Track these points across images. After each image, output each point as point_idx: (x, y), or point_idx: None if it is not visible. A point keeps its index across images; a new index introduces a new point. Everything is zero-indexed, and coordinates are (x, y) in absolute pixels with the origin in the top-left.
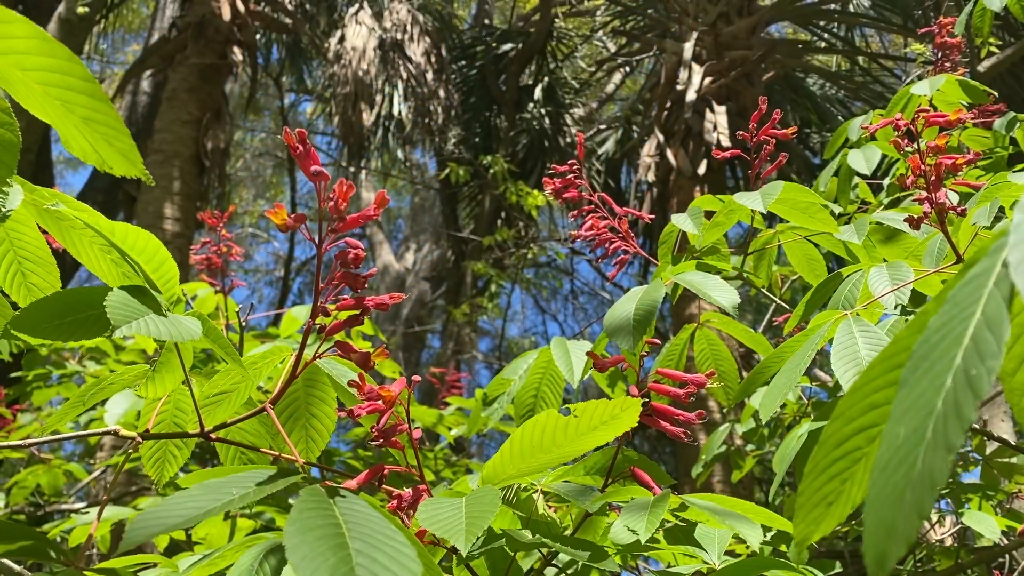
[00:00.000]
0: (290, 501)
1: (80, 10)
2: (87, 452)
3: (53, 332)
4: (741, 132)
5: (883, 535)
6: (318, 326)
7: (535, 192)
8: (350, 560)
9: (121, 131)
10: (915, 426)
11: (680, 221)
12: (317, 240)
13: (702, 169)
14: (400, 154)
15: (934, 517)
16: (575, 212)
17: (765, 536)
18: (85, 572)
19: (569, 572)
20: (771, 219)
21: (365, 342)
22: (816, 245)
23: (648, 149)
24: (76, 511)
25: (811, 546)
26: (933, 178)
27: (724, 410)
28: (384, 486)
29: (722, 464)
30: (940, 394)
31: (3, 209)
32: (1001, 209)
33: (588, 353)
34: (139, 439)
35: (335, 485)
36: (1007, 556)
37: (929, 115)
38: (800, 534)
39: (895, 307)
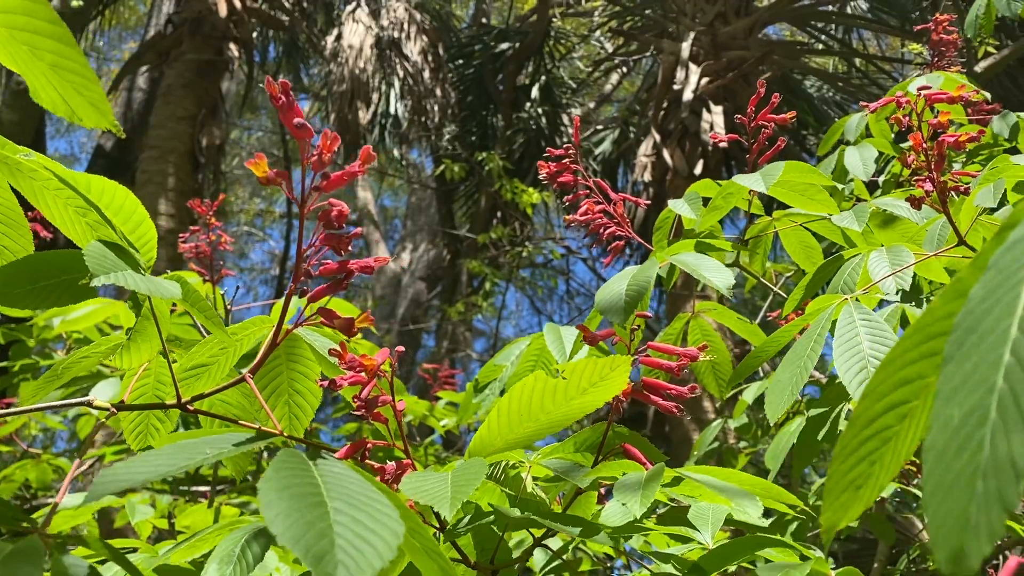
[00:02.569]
0: None
1: (74, 3)
2: (78, 449)
3: (23, 299)
4: (739, 116)
5: (956, 527)
6: (300, 290)
7: (531, 190)
8: (328, 517)
9: (91, 79)
10: (973, 406)
11: (677, 206)
12: (299, 197)
13: (698, 169)
14: (396, 153)
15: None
16: (571, 197)
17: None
18: (46, 538)
19: (562, 558)
20: (769, 212)
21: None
22: (814, 234)
23: (644, 149)
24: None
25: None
26: (935, 157)
27: (718, 404)
28: (367, 461)
29: (714, 462)
30: (999, 369)
31: None
32: (1005, 192)
33: (579, 326)
34: (114, 410)
35: (317, 445)
36: (1001, 555)
37: (931, 93)
38: (829, 521)
39: (896, 292)
